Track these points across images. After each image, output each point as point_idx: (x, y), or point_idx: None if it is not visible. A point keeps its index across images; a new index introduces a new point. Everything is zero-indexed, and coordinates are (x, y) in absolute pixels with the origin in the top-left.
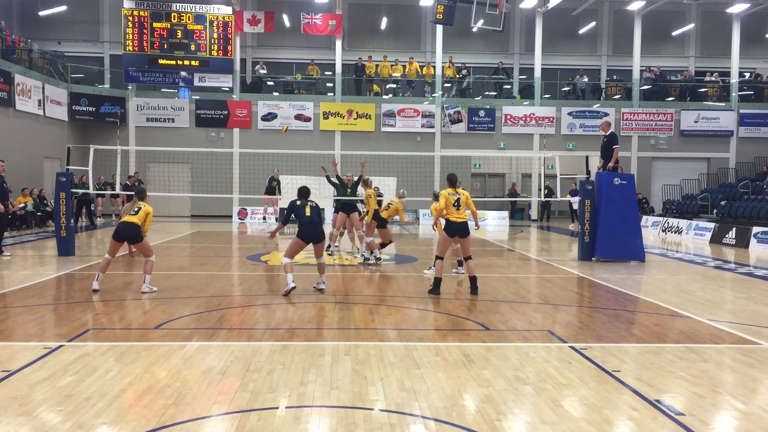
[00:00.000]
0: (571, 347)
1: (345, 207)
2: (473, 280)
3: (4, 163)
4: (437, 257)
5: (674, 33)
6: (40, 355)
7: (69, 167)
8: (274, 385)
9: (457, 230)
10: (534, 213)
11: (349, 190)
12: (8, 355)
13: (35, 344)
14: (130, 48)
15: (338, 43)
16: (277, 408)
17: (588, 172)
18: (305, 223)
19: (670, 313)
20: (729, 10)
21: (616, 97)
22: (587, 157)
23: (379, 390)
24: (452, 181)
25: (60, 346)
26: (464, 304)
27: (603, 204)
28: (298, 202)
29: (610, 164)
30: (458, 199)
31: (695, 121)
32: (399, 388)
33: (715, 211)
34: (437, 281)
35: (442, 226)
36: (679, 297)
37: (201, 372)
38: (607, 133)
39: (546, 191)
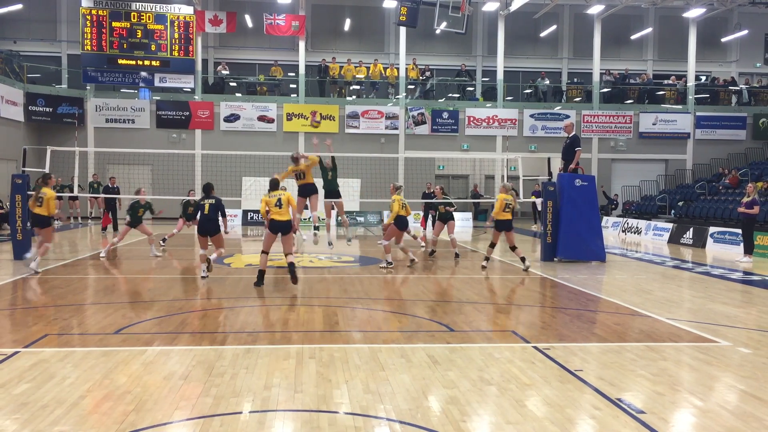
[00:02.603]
0: (535, 347)
1: (327, 193)
2: (291, 265)
3: None
4: (263, 251)
5: (633, 37)
6: None
7: (25, 169)
8: (237, 390)
9: (279, 228)
10: None
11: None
12: None
13: None
14: (89, 48)
15: (301, 45)
16: (241, 413)
17: (550, 174)
18: (202, 220)
19: (630, 312)
20: (685, 15)
21: (577, 99)
22: (549, 159)
23: (343, 393)
24: (273, 186)
25: (16, 353)
26: (429, 305)
27: (564, 205)
28: (202, 201)
29: (572, 166)
30: (279, 199)
31: (653, 124)
32: (364, 391)
33: (672, 211)
34: (261, 273)
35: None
36: (638, 296)
37: (162, 377)
38: (570, 135)
39: None
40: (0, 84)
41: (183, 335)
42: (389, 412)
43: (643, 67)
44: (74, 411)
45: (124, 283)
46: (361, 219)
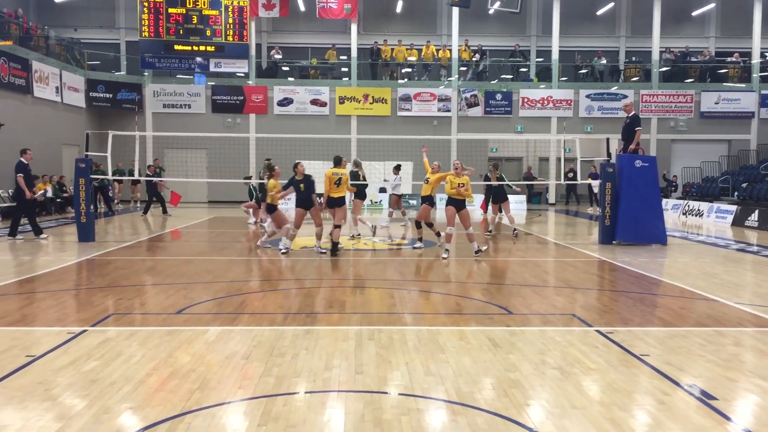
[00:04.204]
0: (597, 331)
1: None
2: (334, 244)
3: (31, 151)
4: (337, 226)
5: (694, 13)
6: (64, 340)
7: (88, 153)
8: (298, 370)
9: (334, 203)
10: (552, 197)
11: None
12: (32, 341)
13: (59, 329)
14: (146, 34)
15: (353, 27)
16: (303, 393)
17: (609, 155)
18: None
19: (695, 296)
20: None
21: (635, 79)
22: (608, 140)
23: (404, 374)
24: (337, 162)
25: (83, 331)
26: (485, 288)
27: (624, 187)
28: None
29: (632, 146)
30: (339, 179)
31: (716, 103)
32: (425, 373)
33: (736, 193)
34: (334, 245)
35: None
36: (703, 280)
37: (224, 357)
38: (630, 115)
39: (571, 174)
40: (62, 71)
41: (243, 316)
42: (451, 394)
43: (704, 45)
44: (141, 388)
45: (183, 265)
46: (414, 202)
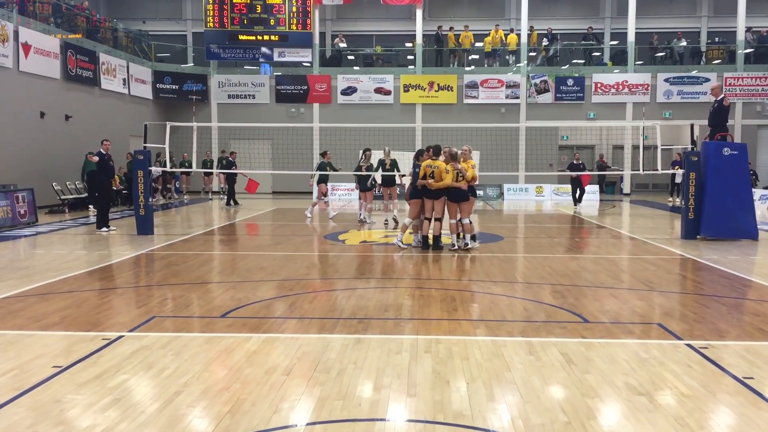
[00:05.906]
0: (688, 345)
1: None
2: (435, 239)
3: (109, 142)
4: (436, 219)
5: None
6: (97, 347)
7: (146, 145)
8: (343, 390)
9: (431, 195)
10: (626, 187)
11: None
12: (65, 347)
13: (94, 335)
14: (211, 24)
15: (418, 13)
16: (345, 421)
17: (693, 142)
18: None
19: None
20: None
21: (717, 61)
22: (692, 126)
23: (463, 399)
24: (436, 152)
25: (119, 337)
26: (557, 290)
27: (710, 177)
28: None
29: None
30: (432, 171)
31: None
32: (487, 397)
33: None
34: (435, 239)
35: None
36: None
37: (264, 371)
38: (718, 98)
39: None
40: (129, 63)
41: (290, 321)
42: (518, 426)
43: None
44: (166, 410)
45: (238, 260)
46: (480, 192)
